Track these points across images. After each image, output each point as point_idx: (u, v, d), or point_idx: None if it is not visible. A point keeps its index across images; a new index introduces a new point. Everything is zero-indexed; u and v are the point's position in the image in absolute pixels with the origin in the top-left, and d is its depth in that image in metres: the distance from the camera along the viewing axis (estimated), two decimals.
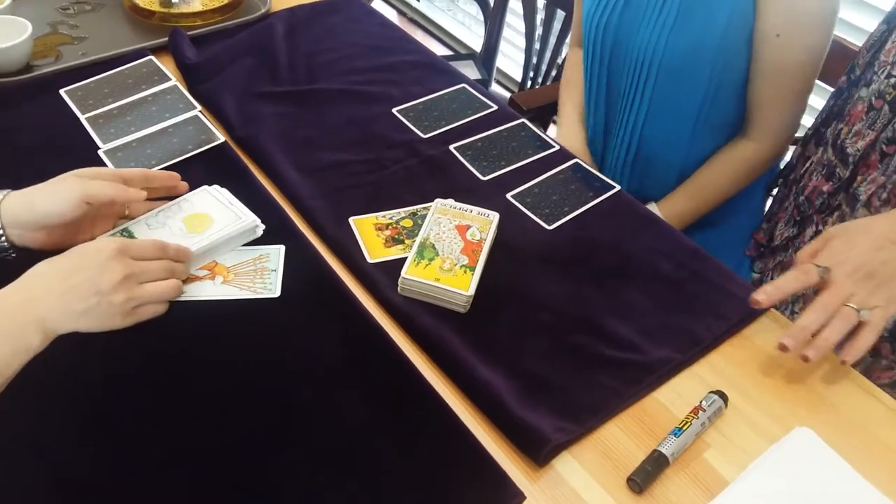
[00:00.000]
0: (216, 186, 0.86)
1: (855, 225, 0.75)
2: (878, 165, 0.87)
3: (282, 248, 0.82)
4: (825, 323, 0.70)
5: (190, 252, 0.69)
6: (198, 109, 1.01)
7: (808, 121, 1.11)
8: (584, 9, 1.16)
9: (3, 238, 0.71)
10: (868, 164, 0.88)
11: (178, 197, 0.84)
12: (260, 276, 0.79)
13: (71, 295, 0.58)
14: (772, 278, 0.90)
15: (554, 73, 1.78)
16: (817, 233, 1.00)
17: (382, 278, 0.80)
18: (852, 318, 0.70)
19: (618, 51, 1.13)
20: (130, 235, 0.78)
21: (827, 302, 0.71)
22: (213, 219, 0.81)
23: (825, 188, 0.96)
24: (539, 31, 1.78)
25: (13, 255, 0.73)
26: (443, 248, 0.81)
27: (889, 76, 0.86)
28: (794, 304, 0.87)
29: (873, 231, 0.73)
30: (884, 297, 0.70)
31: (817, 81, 1.06)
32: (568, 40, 1.45)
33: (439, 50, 2.70)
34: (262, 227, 0.83)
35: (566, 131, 1.30)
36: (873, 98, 0.87)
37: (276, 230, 0.84)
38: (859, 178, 0.90)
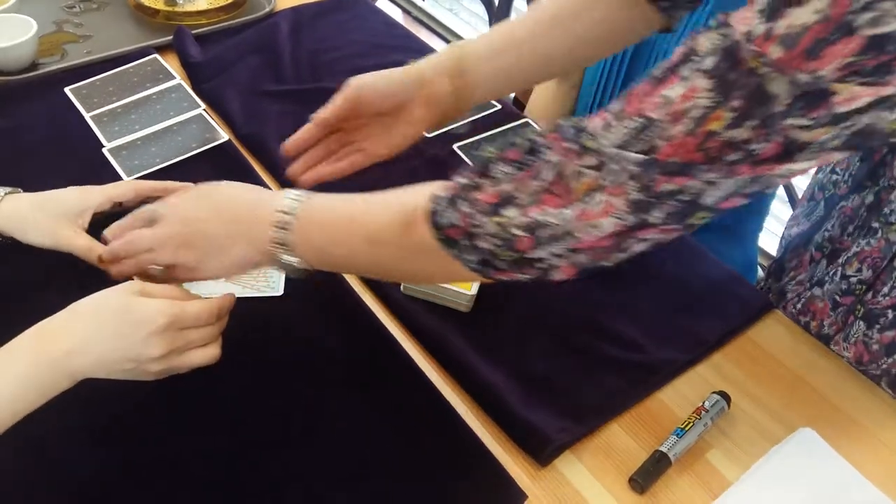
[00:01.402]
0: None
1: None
2: None
3: None
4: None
5: (234, 299, 0.67)
6: (202, 108, 1.01)
7: None
8: None
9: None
10: None
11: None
12: (263, 274, 0.79)
13: (109, 356, 0.57)
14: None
15: None
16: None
17: None
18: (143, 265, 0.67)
19: (641, 51, 1.11)
20: None
21: (135, 238, 0.67)
22: None
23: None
24: None
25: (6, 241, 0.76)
26: None
27: None
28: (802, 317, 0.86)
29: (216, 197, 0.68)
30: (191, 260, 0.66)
31: None
32: None
33: None
34: None
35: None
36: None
37: None
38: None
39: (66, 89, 1.02)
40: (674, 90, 0.46)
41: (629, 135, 0.47)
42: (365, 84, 0.74)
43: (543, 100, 1.32)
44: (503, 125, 1.04)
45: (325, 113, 0.75)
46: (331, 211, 0.63)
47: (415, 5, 2.90)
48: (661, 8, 0.72)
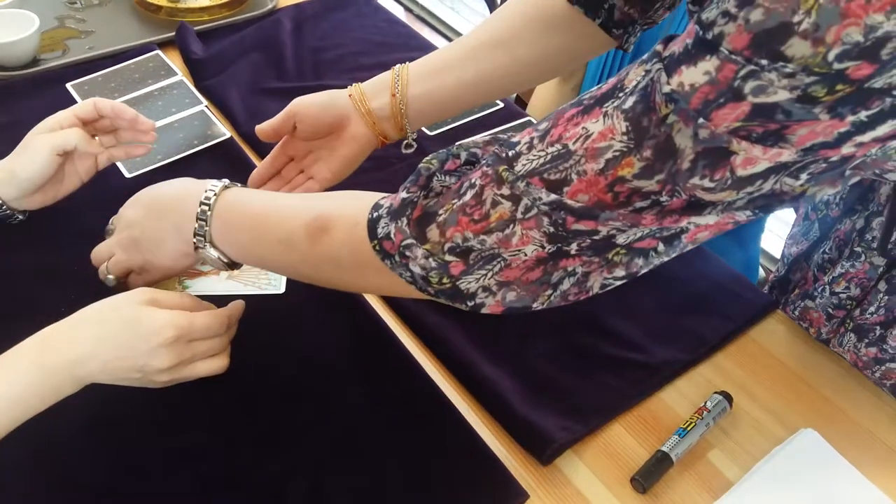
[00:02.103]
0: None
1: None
2: None
3: None
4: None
5: (243, 307, 0.67)
6: (204, 104, 1.01)
7: None
8: None
9: (5, 207, 0.74)
10: None
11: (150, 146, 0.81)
12: (265, 271, 0.79)
13: (114, 365, 0.57)
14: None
15: None
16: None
17: None
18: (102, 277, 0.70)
19: (642, 52, 1.12)
20: None
21: (95, 251, 0.71)
22: None
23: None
24: None
25: (21, 218, 0.77)
26: None
27: None
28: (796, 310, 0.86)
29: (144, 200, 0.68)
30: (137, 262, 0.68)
31: None
32: None
33: None
34: None
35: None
36: None
37: None
38: None
39: (68, 85, 1.02)
40: (595, 125, 0.46)
41: (547, 162, 0.47)
42: (304, 99, 0.76)
43: (544, 100, 1.32)
44: (505, 124, 1.04)
45: (264, 125, 0.77)
46: (248, 205, 0.63)
47: (416, 3, 2.90)
48: (615, 35, 0.73)
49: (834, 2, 0.36)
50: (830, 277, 0.75)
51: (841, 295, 0.75)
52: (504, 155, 0.49)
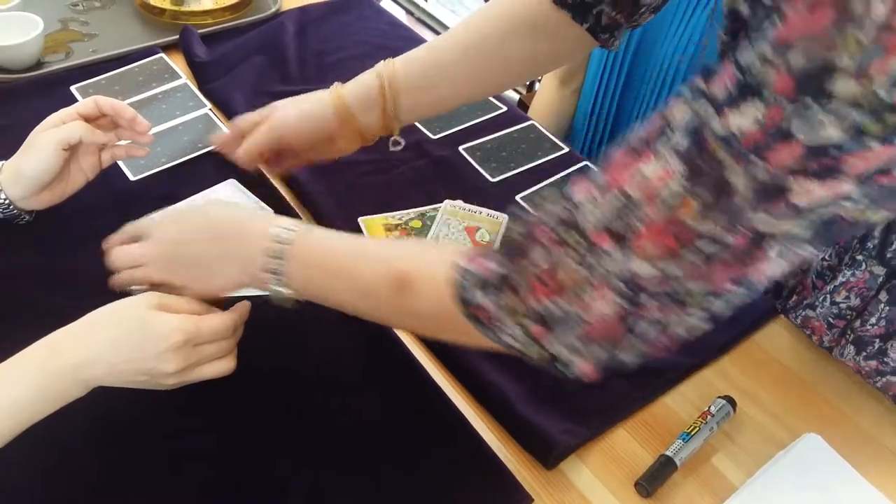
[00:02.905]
0: (232, 181, 0.87)
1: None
2: None
3: None
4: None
5: (249, 309, 0.67)
6: (208, 107, 1.01)
7: None
8: None
9: (12, 207, 0.75)
10: None
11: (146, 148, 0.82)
12: None
13: (122, 368, 0.57)
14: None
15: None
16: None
17: None
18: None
19: (640, 56, 1.11)
20: None
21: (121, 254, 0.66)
22: None
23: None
24: None
25: (28, 218, 0.77)
26: None
27: None
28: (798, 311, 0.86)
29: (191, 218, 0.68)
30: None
31: None
32: None
33: None
34: None
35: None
36: None
37: None
38: None
39: (72, 88, 1.02)
40: (649, 167, 0.45)
41: (612, 213, 0.47)
42: (287, 124, 0.77)
43: (546, 103, 1.32)
44: (508, 127, 1.04)
45: (249, 143, 0.78)
46: (327, 251, 0.62)
47: (417, 6, 2.90)
48: (601, 39, 0.73)
49: (876, 41, 0.36)
50: (832, 287, 0.75)
51: (841, 305, 0.75)
52: (568, 217, 0.49)
